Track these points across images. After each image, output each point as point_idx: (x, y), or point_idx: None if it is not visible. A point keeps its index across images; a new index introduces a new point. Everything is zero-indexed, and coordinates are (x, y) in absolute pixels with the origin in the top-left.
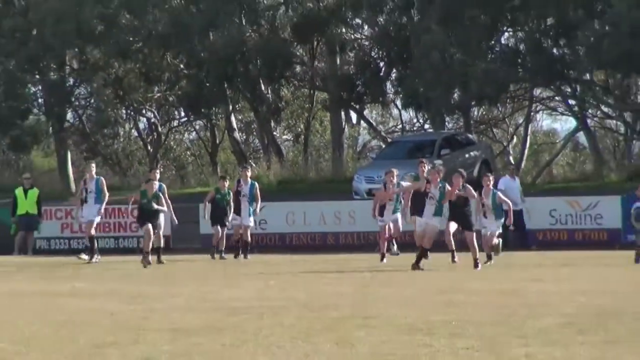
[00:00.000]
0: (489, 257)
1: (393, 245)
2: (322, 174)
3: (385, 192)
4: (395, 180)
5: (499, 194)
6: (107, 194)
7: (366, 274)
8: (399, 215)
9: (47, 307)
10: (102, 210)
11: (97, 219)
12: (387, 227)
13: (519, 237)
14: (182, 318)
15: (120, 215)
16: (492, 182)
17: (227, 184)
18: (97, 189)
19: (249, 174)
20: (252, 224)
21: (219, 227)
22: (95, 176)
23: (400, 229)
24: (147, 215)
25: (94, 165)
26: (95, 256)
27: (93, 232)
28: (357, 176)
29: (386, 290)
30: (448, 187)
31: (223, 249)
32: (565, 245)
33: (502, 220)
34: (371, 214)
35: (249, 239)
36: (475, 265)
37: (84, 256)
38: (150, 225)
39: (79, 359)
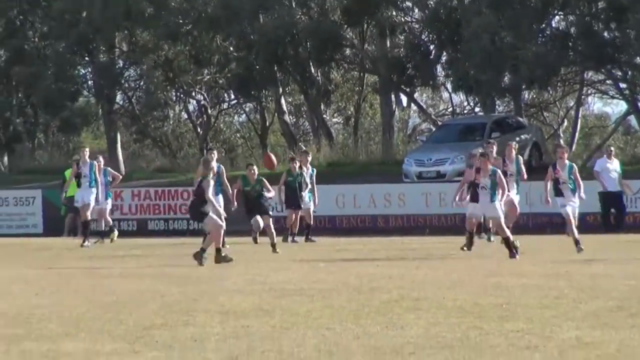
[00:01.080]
0: (577, 243)
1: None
2: (372, 157)
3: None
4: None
5: (575, 167)
6: (99, 179)
7: (415, 257)
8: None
9: (96, 289)
10: (101, 195)
11: (109, 206)
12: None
13: (619, 219)
14: (231, 300)
15: (170, 198)
16: (567, 154)
17: (297, 165)
18: (90, 173)
19: (309, 158)
20: (312, 207)
21: (292, 209)
22: (88, 161)
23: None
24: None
25: (87, 150)
26: (87, 241)
27: (88, 216)
28: (407, 159)
29: (435, 273)
30: (499, 173)
31: (295, 231)
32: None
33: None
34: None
35: (311, 221)
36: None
37: (116, 235)
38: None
39: (127, 340)
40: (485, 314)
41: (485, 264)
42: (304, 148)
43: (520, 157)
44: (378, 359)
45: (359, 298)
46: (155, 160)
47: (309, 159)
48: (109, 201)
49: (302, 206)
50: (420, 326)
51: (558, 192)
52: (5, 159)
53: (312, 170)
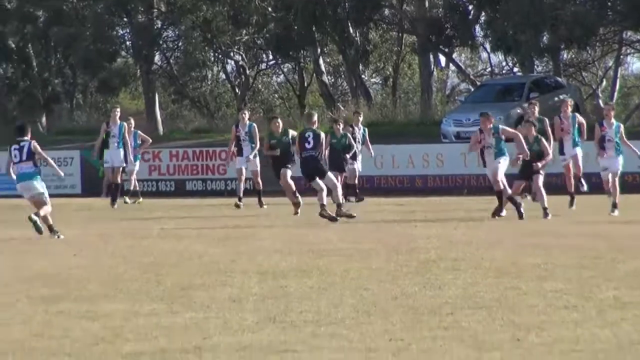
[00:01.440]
0: (615, 206)
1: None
2: (410, 117)
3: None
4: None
5: (622, 127)
6: (128, 140)
7: (454, 218)
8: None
9: (134, 249)
10: (131, 157)
11: (136, 168)
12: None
13: None
14: (269, 260)
15: (208, 158)
16: (613, 112)
17: (341, 127)
18: (120, 134)
19: (360, 118)
20: (360, 167)
21: (337, 172)
22: (118, 121)
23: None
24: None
25: (118, 110)
26: (117, 203)
27: (119, 179)
28: (446, 119)
29: (474, 234)
30: (502, 127)
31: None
32: None
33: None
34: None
35: (355, 182)
36: (545, 214)
37: (128, 200)
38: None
39: (166, 301)
40: (524, 274)
41: (524, 224)
42: (343, 108)
43: (577, 114)
44: (416, 319)
45: (397, 258)
46: (193, 120)
47: (361, 119)
48: (137, 164)
49: (347, 168)
50: (459, 286)
51: (602, 150)
52: (44, 119)
53: (364, 130)
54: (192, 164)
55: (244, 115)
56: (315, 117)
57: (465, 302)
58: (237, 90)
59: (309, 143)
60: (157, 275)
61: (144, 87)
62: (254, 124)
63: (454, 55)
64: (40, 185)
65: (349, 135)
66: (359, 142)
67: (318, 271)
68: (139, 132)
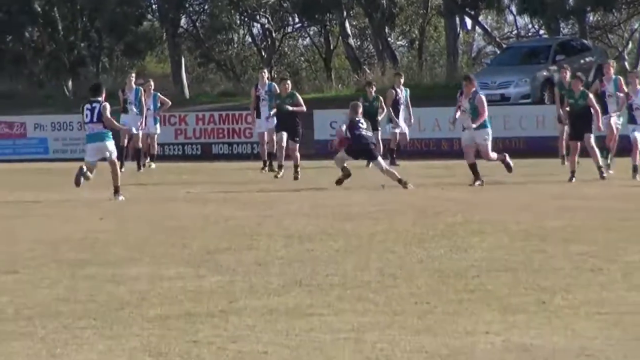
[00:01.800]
0: (635, 169)
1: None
2: (436, 80)
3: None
4: None
5: None
6: (144, 106)
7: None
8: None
9: (160, 213)
10: (143, 122)
11: (157, 131)
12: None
13: None
14: (295, 224)
15: (234, 122)
16: (638, 80)
17: (373, 89)
18: (136, 99)
19: (402, 80)
20: (407, 129)
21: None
22: (134, 86)
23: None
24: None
25: (133, 75)
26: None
27: (140, 144)
28: None
29: (500, 197)
30: (480, 96)
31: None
32: None
33: None
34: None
35: (394, 146)
36: (601, 175)
37: (153, 165)
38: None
39: (192, 264)
40: (549, 237)
41: (550, 186)
42: (369, 71)
43: (621, 78)
44: (442, 282)
45: (423, 221)
46: (219, 84)
47: (402, 80)
48: (157, 127)
49: (395, 129)
50: (484, 249)
51: (631, 119)
52: (70, 83)
53: (406, 91)
54: (218, 128)
55: (263, 74)
56: (361, 108)
57: (491, 265)
58: (263, 54)
59: (362, 123)
60: (183, 239)
61: (170, 50)
62: (274, 83)
63: (480, 18)
64: (111, 146)
65: (381, 98)
66: (402, 104)
67: (344, 234)
68: (159, 94)
